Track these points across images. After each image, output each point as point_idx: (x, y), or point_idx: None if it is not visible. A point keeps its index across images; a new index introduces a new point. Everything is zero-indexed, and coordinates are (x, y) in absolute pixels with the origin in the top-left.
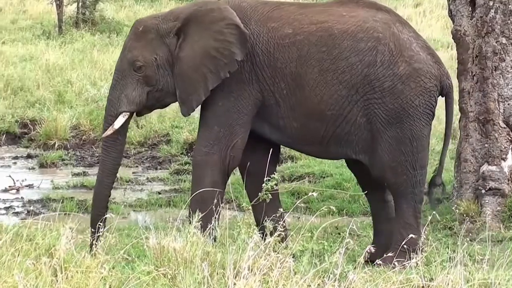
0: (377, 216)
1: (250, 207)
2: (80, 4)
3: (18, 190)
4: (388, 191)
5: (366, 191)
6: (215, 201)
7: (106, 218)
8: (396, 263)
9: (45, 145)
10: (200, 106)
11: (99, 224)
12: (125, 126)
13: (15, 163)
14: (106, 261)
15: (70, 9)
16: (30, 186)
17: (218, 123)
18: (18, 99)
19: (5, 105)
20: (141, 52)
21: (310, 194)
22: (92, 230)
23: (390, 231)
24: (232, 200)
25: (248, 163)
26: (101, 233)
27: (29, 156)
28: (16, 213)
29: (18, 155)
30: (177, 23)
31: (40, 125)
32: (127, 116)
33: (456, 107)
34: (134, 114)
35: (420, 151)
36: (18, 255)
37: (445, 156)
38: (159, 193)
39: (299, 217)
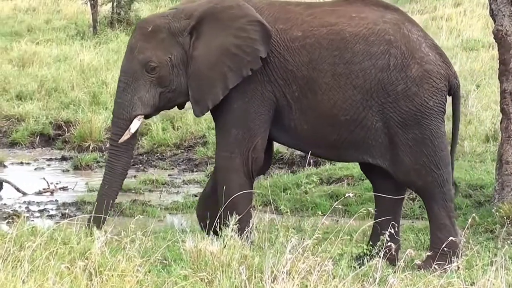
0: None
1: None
2: (115, 4)
3: (52, 192)
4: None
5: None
6: (247, 203)
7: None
8: (436, 266)
9: (80, 147)
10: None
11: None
12: (137, 129)
13: (49, 165)
14: (141, 265)
15: (105, 9)
16: (64, 189)
17: (235, 126)
18: (52, 100)
19: (39, 106)
20: (154, 53)
21: (346, 195)
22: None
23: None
24: (270, 203)
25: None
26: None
27: (63, 158)
28: (51, 216)
29: (52, 157)
30: (191, 21)
31: (74, 127)
32: (142, 119)
33: (497, 108)
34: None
35: (442, 149)
36: (53, 258)
37: (455, 156)
38: (195, 195)
39: (337, 220)
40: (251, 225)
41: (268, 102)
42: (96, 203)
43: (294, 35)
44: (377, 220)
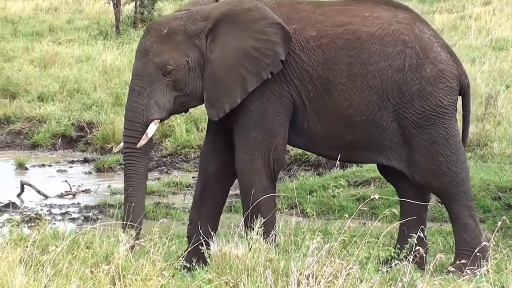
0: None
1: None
2: (138, 3)
3: (74, 195)
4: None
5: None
6: (272, 206)
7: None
8: (467, 270)
9: (102, 149)
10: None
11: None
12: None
13: (71, 167)
14: (165, 269)
15: (128, 9)
16: (87, 191)
17: (254, 128)
18: (74, 102)
19: (61, 108)
20: (171, 55)
21: (372, 197)
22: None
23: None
24: (296, 206)
25: (209, 166)
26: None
27: (85, 160)
28: (73, 219)
29: (75, 159)
30: (207, 24)
31: (97, 128)
32: (158, 123)
33: None
34: None
35: (458, 148)
36: (76, 262)
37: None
38: None
39: (364, 223)
40: (276, 228)
41: (286, 101)
42: (126, 209)
43: (309, 35)
44: (402, 221)
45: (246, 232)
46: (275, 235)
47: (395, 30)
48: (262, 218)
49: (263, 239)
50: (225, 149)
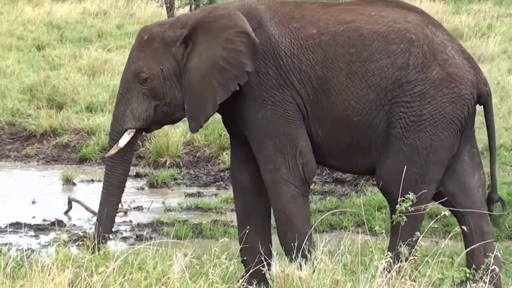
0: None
1: None
2: (193, 6)
3: (126, 212)
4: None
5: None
6: (304, 215)
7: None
8: None
9: (156, 163)
10: (232, 122)
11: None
12: (132, 143)
13: None
14: None
15: (182, 12)
16: (139, 209)
17: (269, 136)
18: None
19: (111, 119)
20: (146, 63)
21: (443, 213)
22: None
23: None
24: (363, 223)
25: (242, 177)
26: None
27: (137, 175)
28: (124, 238)
29: None
30: (184, 31)
31: (149, 141)
32: (132, 134)
33: None
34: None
35: (434, 164)
36: (128, 284)
37: (496, 171)
38: None
39: (437, 242)
40: (310, 238)
41: (292, 105)
42: (97, 223)
43: (309, 33)
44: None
45: (286, 251)
46: (309, 250)
47: (401, 28)
48: (294, 230)
49: (297, 252)
50: (254, 157)
